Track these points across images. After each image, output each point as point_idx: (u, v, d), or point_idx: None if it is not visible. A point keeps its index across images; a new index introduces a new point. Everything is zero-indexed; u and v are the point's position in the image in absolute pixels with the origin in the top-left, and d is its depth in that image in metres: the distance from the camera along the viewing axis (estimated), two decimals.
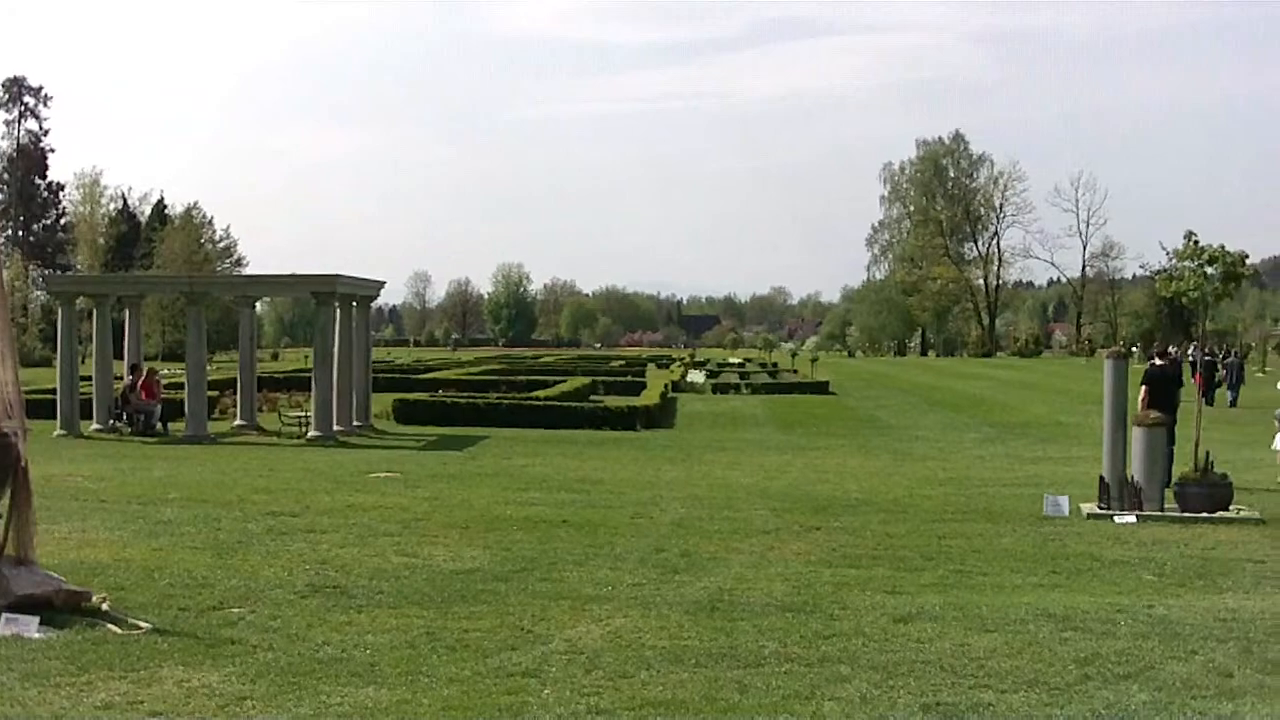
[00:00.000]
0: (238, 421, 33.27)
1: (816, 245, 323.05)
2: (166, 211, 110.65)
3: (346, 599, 11.95)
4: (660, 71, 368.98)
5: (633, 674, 9.37)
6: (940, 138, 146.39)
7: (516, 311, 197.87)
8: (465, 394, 41.78)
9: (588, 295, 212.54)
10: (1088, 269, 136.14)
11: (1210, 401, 38.00)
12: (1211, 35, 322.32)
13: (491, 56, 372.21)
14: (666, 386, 50.05)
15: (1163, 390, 20.25)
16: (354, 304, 33.62)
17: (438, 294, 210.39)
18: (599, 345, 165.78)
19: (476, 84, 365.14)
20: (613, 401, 41.26)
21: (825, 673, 9.44)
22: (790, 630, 10.77)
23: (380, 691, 8.86)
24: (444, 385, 47.10)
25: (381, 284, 36.59)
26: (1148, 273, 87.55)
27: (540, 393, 42.21)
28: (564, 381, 47.88)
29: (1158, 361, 22.49)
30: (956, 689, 9.05)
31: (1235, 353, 59.26)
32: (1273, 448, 18.13)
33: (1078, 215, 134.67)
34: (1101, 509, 18.56)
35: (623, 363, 76.01)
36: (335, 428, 31.39)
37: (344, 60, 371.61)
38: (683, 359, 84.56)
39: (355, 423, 33.02)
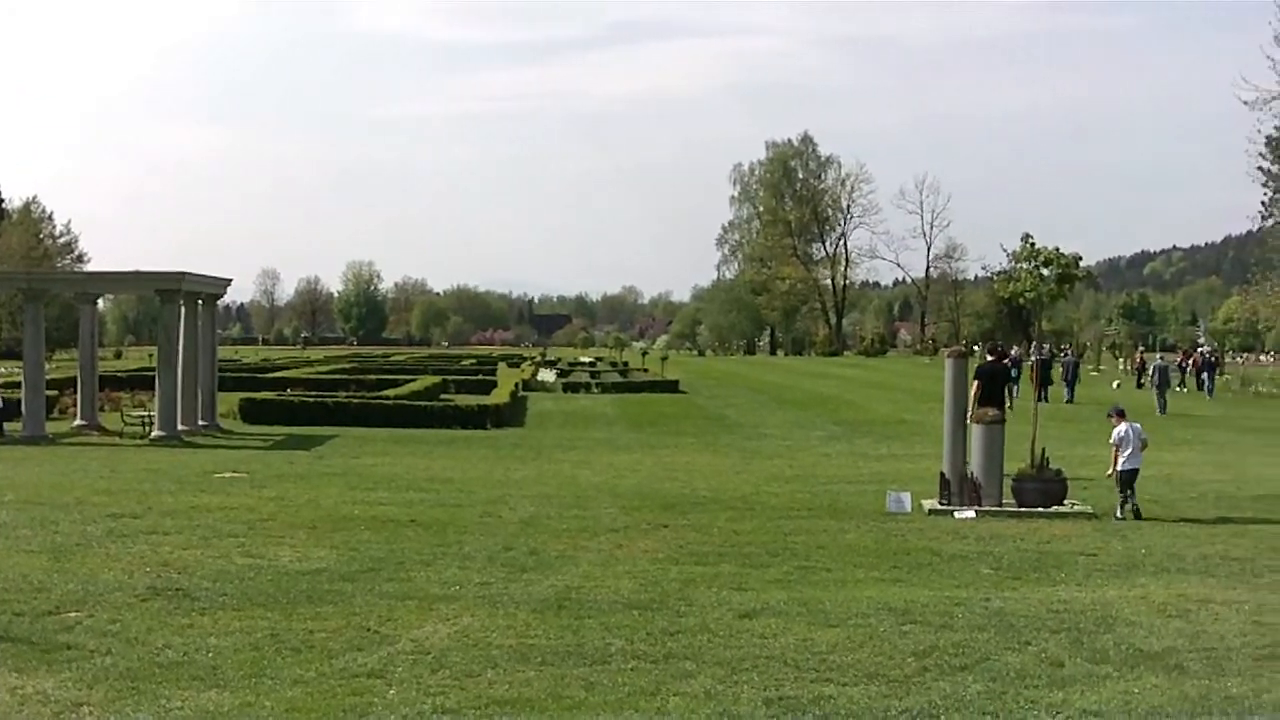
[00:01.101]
0: (78, 421, 32.43)
1: (668, 245, 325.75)
2: (3, 205, 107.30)
3: (189, 601, 11.77)
4: (513, 71, 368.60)
5: (479, 673, 9.39)
6: (789, 139, 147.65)
7: (367, 310, 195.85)
8: (314, 393, 41.22)
9: (439, 294, 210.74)
10: (932, 270, 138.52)
11: (1044, 398, 39.03)
12: (1050, 43, 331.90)
13: (346, 54, 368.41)
14: (517, 385, 49.97)
15: (995, 386, 20.72)
16: (200, 301, 33.01)
17: (287, 292, 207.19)
18: (447, 344, 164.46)
19: (330, 81, 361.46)
20: (463, 400, 41.10)
21: (671, 669, 9.56)
22: (637, 627, 10.88)
23: (223, 695, 8.76)
24: (292, 384, 46.41)
25: (228, 281, 35.97)
26: (988, 273, 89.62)
27: (390, 392, 41.87)
28: (414, 380, 47.48)
29: (990, 359, 23.07)
30: (799, 683, 9.23)
31: (1071, 352, 60.84)
32: (1110, 442, 18.69)
33: (922, 217, 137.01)
34: (942, 505, 19.00)
35: (474, 361, 75.63)
36: (180, 427, 30.80)
37: (194, 56, 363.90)
38: (533, 358, 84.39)
39: (201, 422, 32.43)
